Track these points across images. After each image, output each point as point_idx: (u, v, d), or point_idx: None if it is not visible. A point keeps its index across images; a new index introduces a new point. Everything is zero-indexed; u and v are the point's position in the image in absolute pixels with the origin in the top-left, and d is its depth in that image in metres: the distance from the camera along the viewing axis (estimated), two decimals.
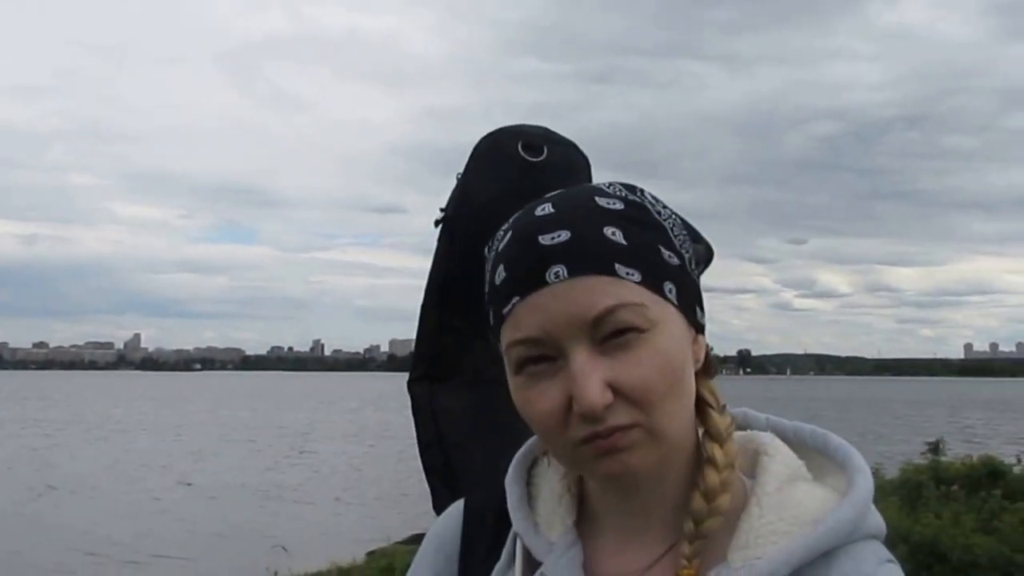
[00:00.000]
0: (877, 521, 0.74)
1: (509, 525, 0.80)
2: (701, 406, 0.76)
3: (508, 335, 0.72)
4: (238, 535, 12.06)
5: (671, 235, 0.74)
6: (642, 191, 0.76)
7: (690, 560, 0.72)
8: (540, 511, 0.79)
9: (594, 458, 0.69)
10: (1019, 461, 7.35)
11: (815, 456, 0.79)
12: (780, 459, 0.76)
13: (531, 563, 0.77)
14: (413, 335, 1.45)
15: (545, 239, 0.70)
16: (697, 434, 0.77)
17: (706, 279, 0.80)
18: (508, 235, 0.74)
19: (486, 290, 0.76)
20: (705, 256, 0.80)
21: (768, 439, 0.79)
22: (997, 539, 5.49)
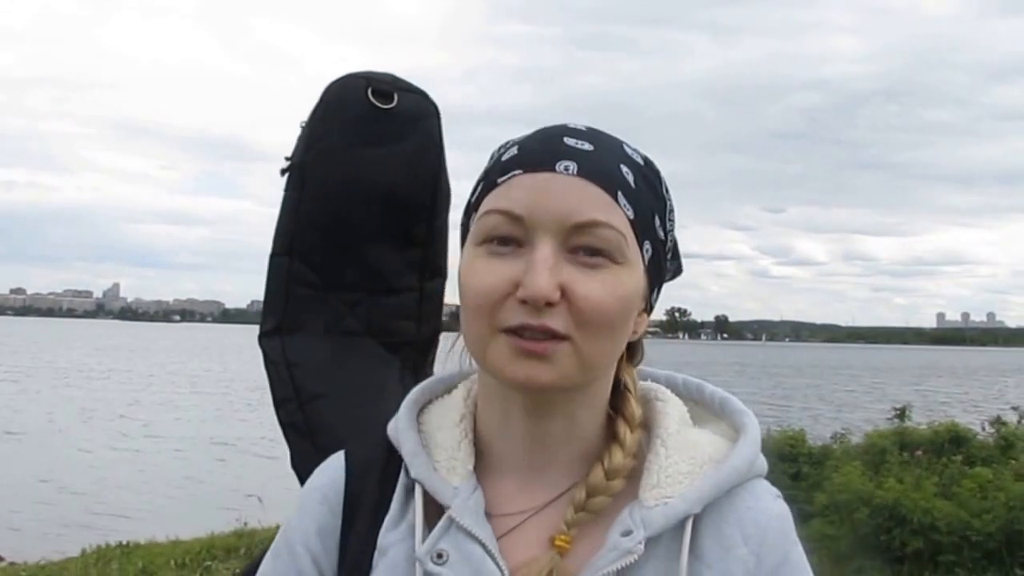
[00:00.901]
0: (764, 460, 0.80)
1: (395, 475, 0.80)
2: (622, 391, 0.79)
3: (491, 202, 0.72)
4: (202, 487, 12.01)
5: (667, 213, 0.77)
6: (658, 170, 0.79)
7: (570, 527, 0.73)
8: (437, 458, 0.79)
9: (510, 355, 0.69)
10: (983, 429, 7.48)
11: (688, 403, 0.83)
12: (672, 404, 0.81)
13: (432, 510, 0.77)
14: None
15: (569, 140, 0.73)
16: (608, 402, 0.79)
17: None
18: (534, 131, 0.76)
19: (482, 174, 0.77)
20: (674, 271, 0.83)
21: (655, 387, 0.83)
22: (956, 504, 5.56)
